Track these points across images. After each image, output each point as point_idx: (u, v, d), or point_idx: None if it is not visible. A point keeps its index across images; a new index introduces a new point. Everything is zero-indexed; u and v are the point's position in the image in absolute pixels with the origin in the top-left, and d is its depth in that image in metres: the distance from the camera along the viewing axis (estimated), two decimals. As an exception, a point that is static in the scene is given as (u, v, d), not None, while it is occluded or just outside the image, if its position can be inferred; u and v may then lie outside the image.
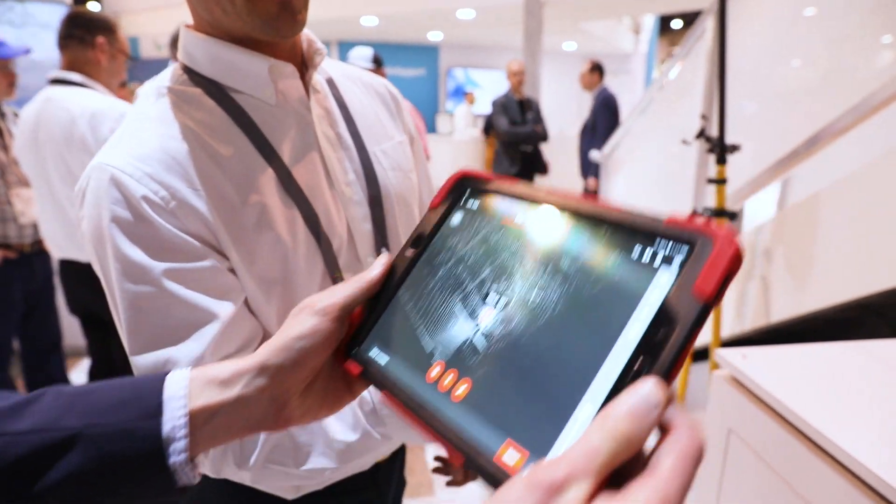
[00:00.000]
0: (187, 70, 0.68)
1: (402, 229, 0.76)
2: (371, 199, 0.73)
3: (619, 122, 4.68)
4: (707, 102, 2.20)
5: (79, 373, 2.90)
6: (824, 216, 1.70)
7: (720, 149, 1.93)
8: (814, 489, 0.87)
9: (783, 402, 0.93)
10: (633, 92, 10.36)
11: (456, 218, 0.46)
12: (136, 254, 0.59)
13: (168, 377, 0.44)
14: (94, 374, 2.23)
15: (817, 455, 0.86)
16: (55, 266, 2.17)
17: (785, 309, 1.88)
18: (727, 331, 2.21)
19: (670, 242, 0.32)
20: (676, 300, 0.30)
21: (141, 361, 0.60)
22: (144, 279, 0.59)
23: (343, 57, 9.16)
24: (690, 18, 10.72)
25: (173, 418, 0.42)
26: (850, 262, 1.60)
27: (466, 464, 0.35)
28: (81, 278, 1.97)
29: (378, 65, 3.39)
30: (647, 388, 0.29)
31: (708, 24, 2.39)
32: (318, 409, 0.48)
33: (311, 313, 0.45)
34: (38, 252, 2.28)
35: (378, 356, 0.44)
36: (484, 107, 9.24)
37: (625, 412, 0.28)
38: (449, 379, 0.38)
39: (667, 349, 0.29)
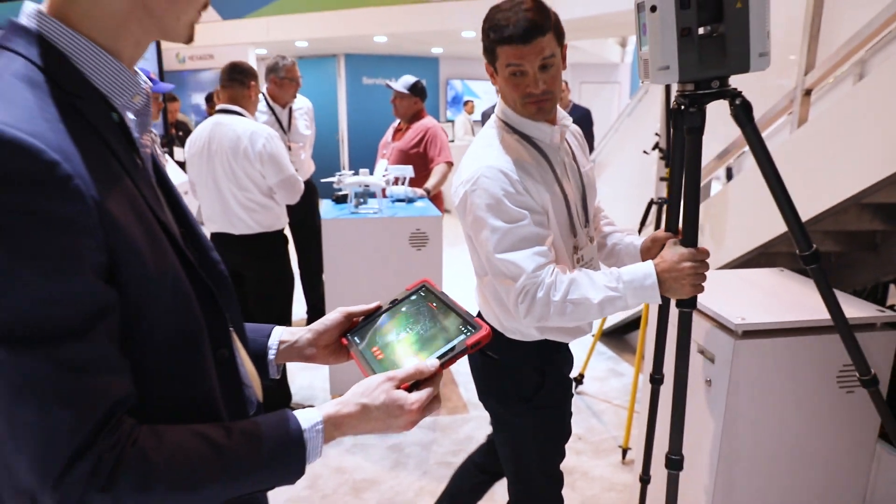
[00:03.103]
0: (504, 123, 1.38)
1: (590, 204, 1.48)
2: (582, 192, 1.45)
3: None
4: (661, 123, 3.10)
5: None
6: (731, 200, 2.62)
7: (668, 156, 2.83)
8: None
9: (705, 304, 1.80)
10: (620, 98, 11.21)
11: (413, 296, 0.92)
12: (512, 210, 1.26)
13: (277, 326, 0.90)
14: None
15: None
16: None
17: (712, 264, 2.78)
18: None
19: (471, 326, 0.80)
20: (460, 344, 0.78)
21: (507, 256, 1.26)
22: (513, 219, 1.26)
23: (349, 67, 9.80)
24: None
25: (274, 339, 0.89)
26: (745, 227, 2.51)
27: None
28: (230, 246, 2.78)
29: (415, 94, 3.68)
30: (432, 363, 0.75)
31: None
32: (327, 357, 0.91)
33: (337, 312, 0.91)
34: None
35: (356, 339, 0.90)
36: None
37: (421, 366, 0.74)
38: (378, 353, 0.84)
39: (451, 356, 0.77)
